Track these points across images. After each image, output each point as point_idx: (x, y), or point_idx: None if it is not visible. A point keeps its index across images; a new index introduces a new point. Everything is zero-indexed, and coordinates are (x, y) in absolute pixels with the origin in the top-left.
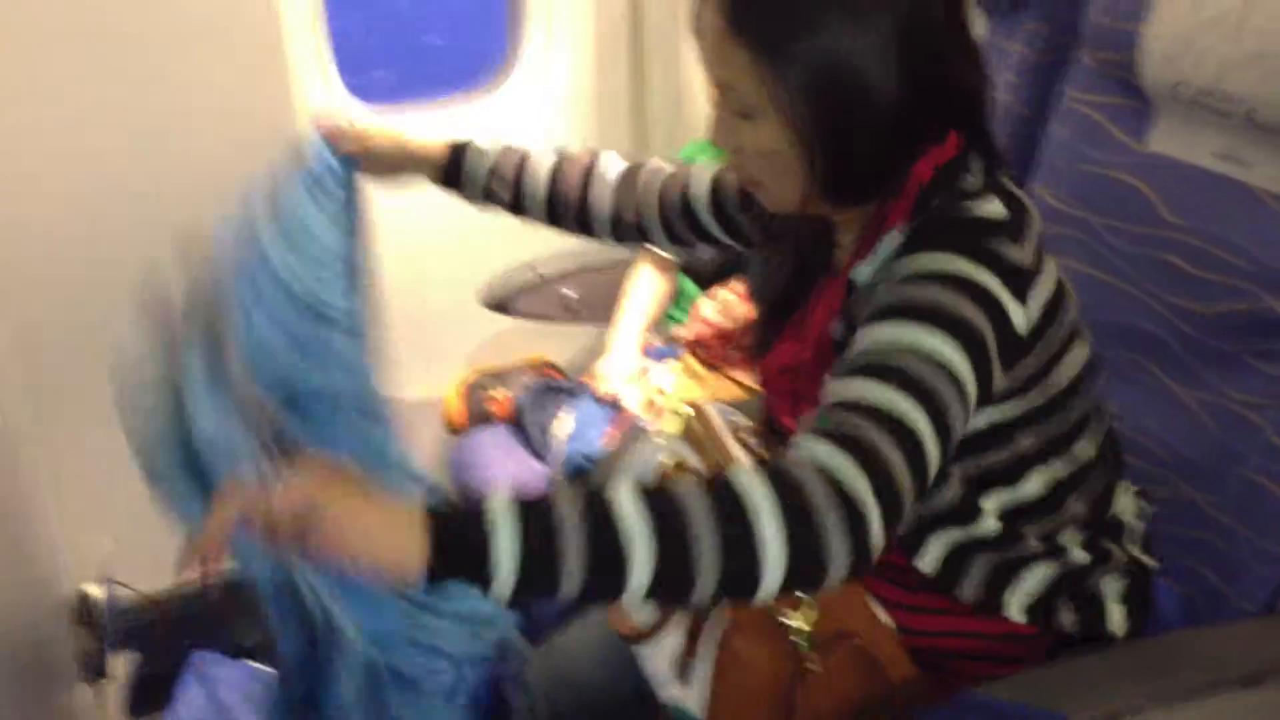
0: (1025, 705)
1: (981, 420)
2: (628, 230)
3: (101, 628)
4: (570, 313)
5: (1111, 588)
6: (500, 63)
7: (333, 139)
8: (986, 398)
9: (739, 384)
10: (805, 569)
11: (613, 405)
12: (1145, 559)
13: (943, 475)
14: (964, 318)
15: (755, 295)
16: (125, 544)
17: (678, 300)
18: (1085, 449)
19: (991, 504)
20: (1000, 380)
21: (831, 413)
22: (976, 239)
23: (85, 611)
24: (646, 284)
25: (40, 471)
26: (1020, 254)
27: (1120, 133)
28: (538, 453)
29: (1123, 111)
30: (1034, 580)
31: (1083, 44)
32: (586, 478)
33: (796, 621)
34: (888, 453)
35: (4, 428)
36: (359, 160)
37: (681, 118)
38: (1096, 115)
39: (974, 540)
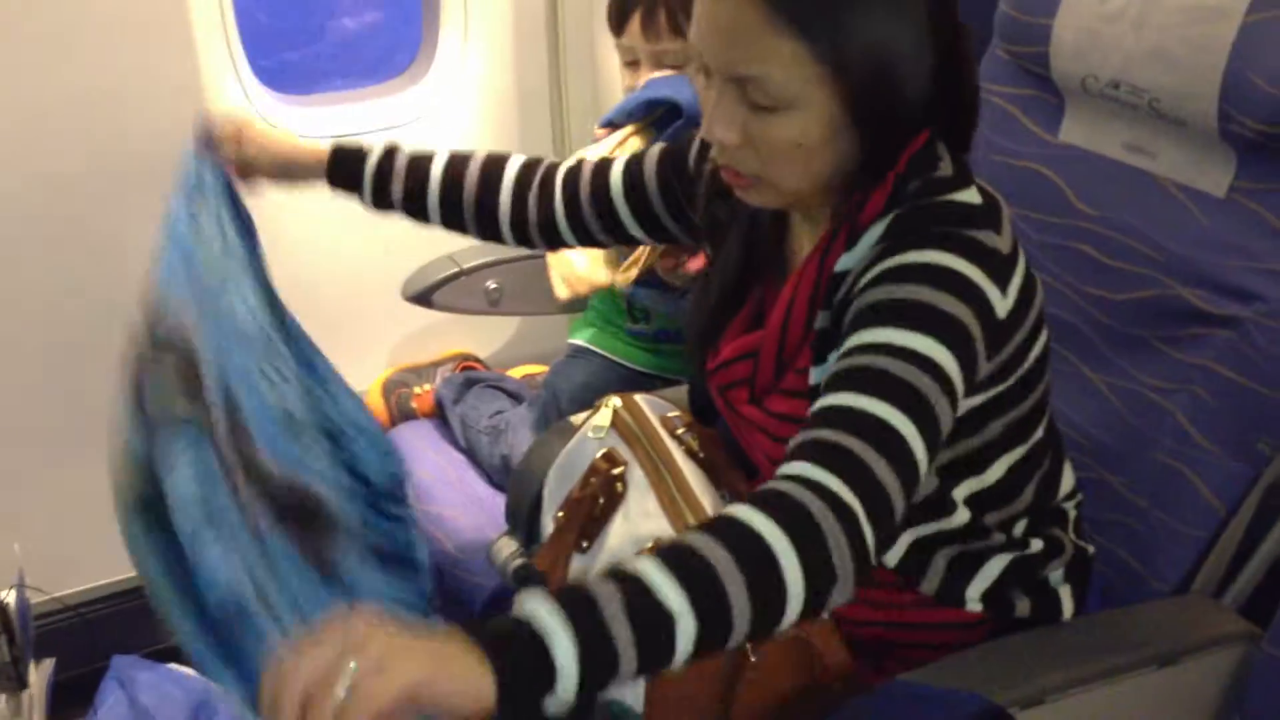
0: (950, 690)
1: (959, 408)
2: (531, 230)
3: (18, 636)
4: (492, 304)
5: (1059, 574)
6: (416, 54)
7: (208, 145)
8: (971, 389)
9: None
10: (820, 594)
11: None
12: (1084, 544)
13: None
14: (951, 315)
15: (699, 286)
16: (32, 549)
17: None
18: (1039, 432)
19: (961, 493)
20: (984, 369)
21: (821, 425)
22: (958, 230)
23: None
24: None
25: None
26: (999, 242)
27: (1033, 124)
28: (461, 446)
29: (1035, 103)
30: (991, 571)
31: (996, 37)
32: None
33: None
34: (875, 465)
35: None
36: (226, 168)
37: (599, 110)
38: (1010, 107)
39: (940, 534)
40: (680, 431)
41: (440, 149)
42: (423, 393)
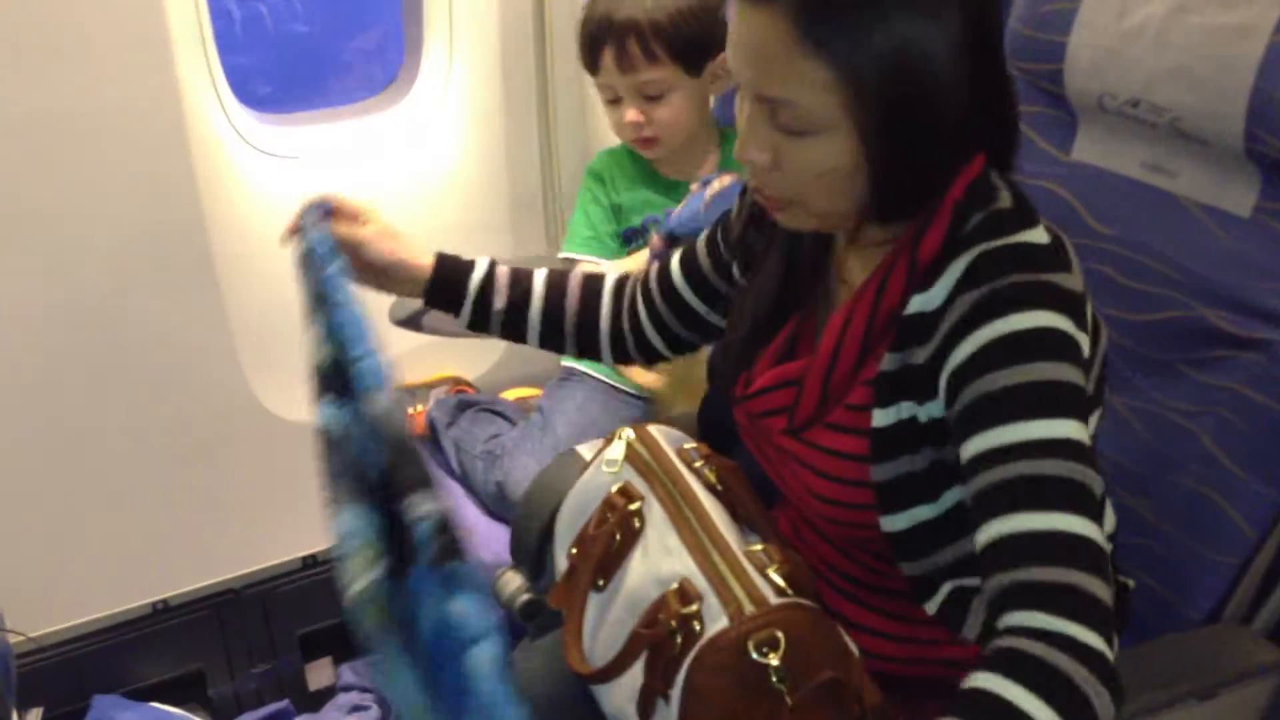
0: None
1: None
2: (627, 344)
3: (3, 682)
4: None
5: None
6: (399, 72)
7: (323, 216)
8: None
9: None
10: None
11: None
12: (1125, 580)
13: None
14: (1071, 384)
15: (732, 312)
16: (6, 589)
17: None
18: None
19: None
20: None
21: (1017, 562)
22: (1045, 279)
23: None
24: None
25: None
26: (1074, 281)
27: (1045, 143)
28: (454, 471)
29: (1048, 121)
30: None
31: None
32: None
33: (768, 658)
34: (1090, 585)
35: None
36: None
37: (587, 127)
38: (1022, 125)
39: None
40: (698, 464)
41: (537, 270)
42: (414, 414)
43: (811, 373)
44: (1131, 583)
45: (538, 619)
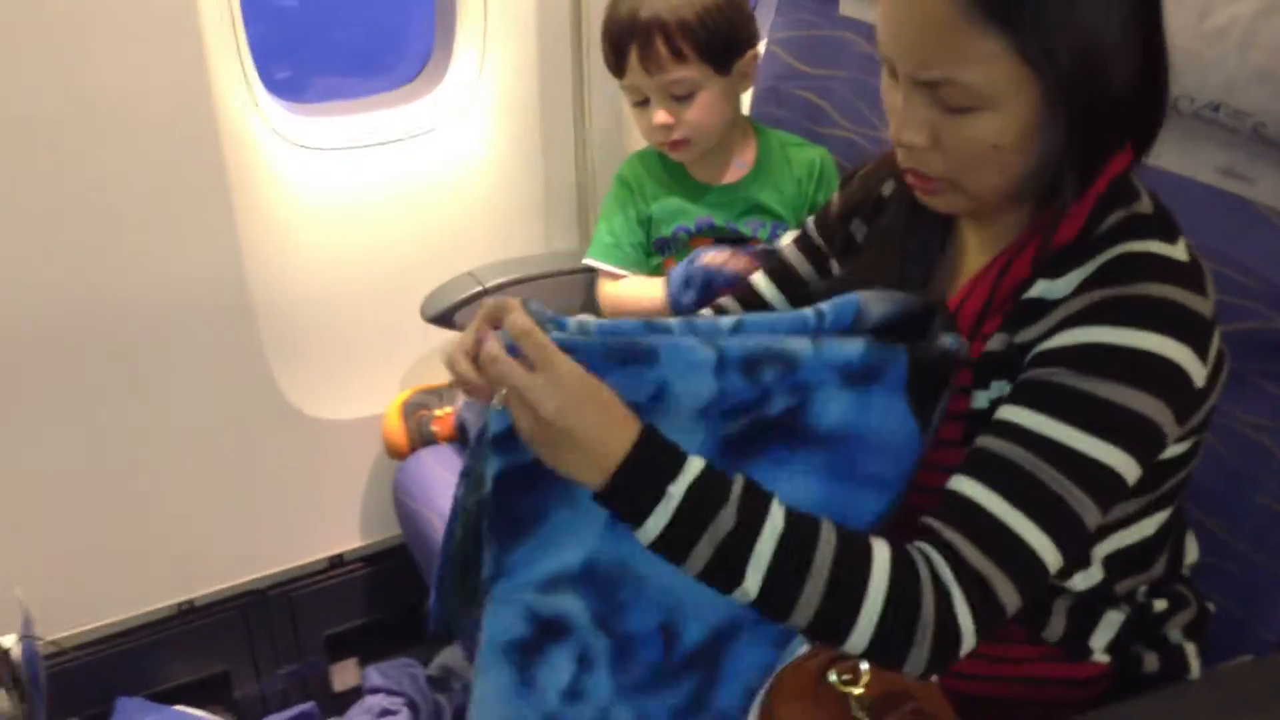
0: None
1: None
2: None
3: (29, 687)
4: None
5: (1179, 632)
6: (428, 60)
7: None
8: (1151, 467)
9: None
10: (885, 652)
11: None
12: (1207, 603)
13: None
14: (1142, 415)
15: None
16: (27, 593)
17: None
18: (1183, 492)
19: (1101, 552)
20: (1173, 435)
21: (958, 520)
22: (1169, 297)
23: (5, 673)
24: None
25: None
26: (1204, 305)
27: None
28: None
29: None
30: (1113, 620)
31: None
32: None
33: (850, 687)
34: (1005, 593)
35: None
36: None
37: (622, 117)
38: None
39: (1063, 589)
40: None
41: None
42: (443, 415)
43: None
44: (1212, 607)
45: None
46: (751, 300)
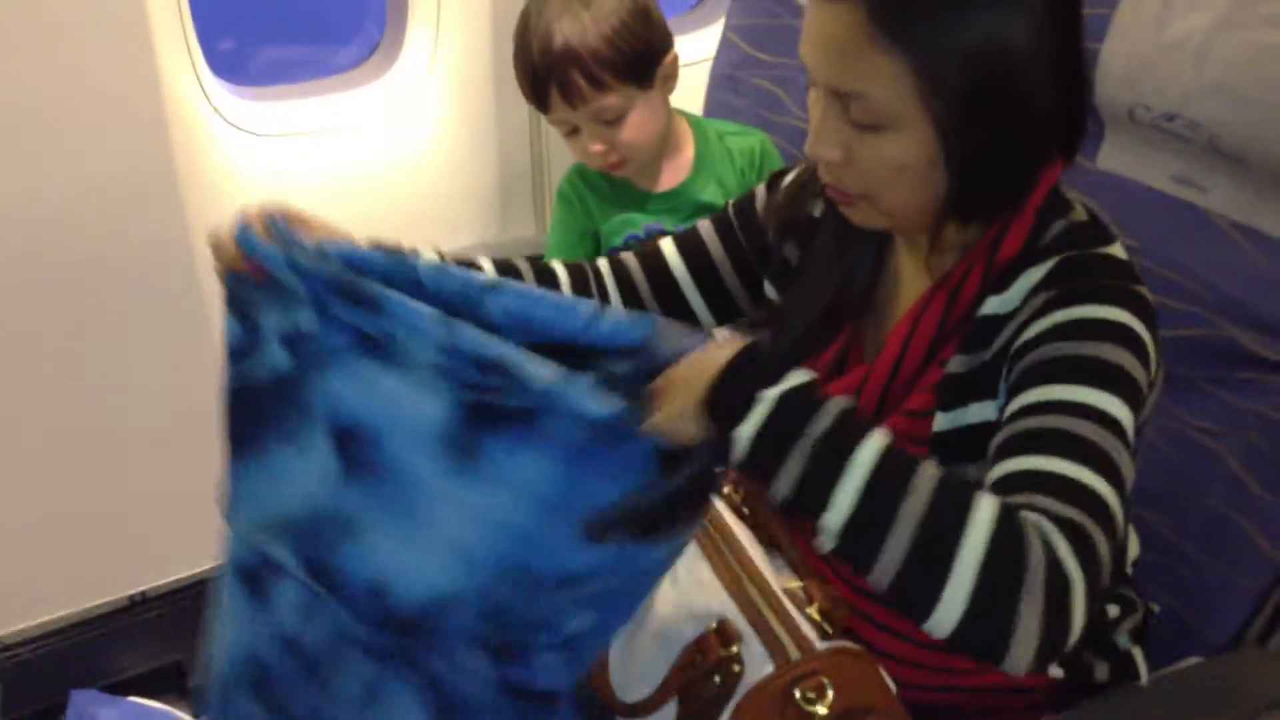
0: None
1: None
2: None
3: None
4: None
5: (1126, 636)
6: (381, 41)
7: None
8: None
9: None
10: (985, 629)
11: None
12: (1150, 604)
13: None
14: (1129, 373)
15: (772, 330)
16: None
17: None
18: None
19: None
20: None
21: (1038, 486)
22: (1126, 284)
23: None
24: None
25: None
26: (1148, 294)
27: None
28: None
29: None
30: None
31: None
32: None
33: (815, 705)
34: (1100, 543)
35: None
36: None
37: None
38: None
39: None
40: (726, 490)
41: (482, 259)
42: None
43: (872, 379)
44: (1156, 607)
45: None
46: (655, 268)
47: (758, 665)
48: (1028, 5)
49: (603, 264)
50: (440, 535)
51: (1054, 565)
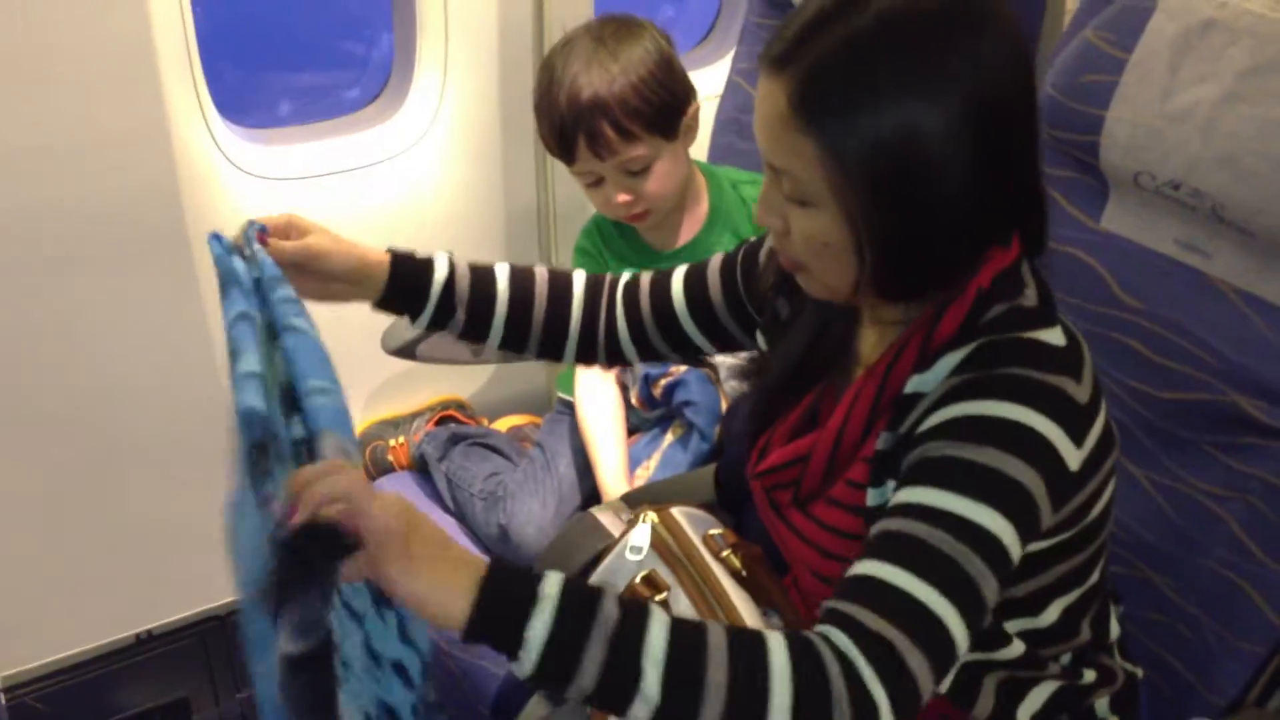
0: None
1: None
2: (597, 347)
3: None
4: (475, 354)
5: (1105, 702)
6: (388, 83)
7: (257, 241)
8: (1024, 554)
9: None
10: None
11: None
12: (1131, 668)
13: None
14: (1017, 481)
15: (753, 380)
16: None
17: None
18: (1094, 576)
19: (1014, 628)
20: (1048, 523)
21: (861, 601)
22: (1038, 377)
23: None
24: (601, 403)
25: None
26: (1078, 391)
27: (1075, 210)
28: (446, 505)
29: (1078, 187)
30: (1040, 695)
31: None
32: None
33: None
34: (912, 659)
35: None
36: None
37: None
38: (1052, 190)
39: (992, 661)
40: (725, 553)
41: (498, 265)
42: (398, 445)
43: (818, 449)
44: (1140, 672)
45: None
46: (660, 295)
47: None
48: (941, 101)
49: (620, 281)
50: None
51: (858, 692)
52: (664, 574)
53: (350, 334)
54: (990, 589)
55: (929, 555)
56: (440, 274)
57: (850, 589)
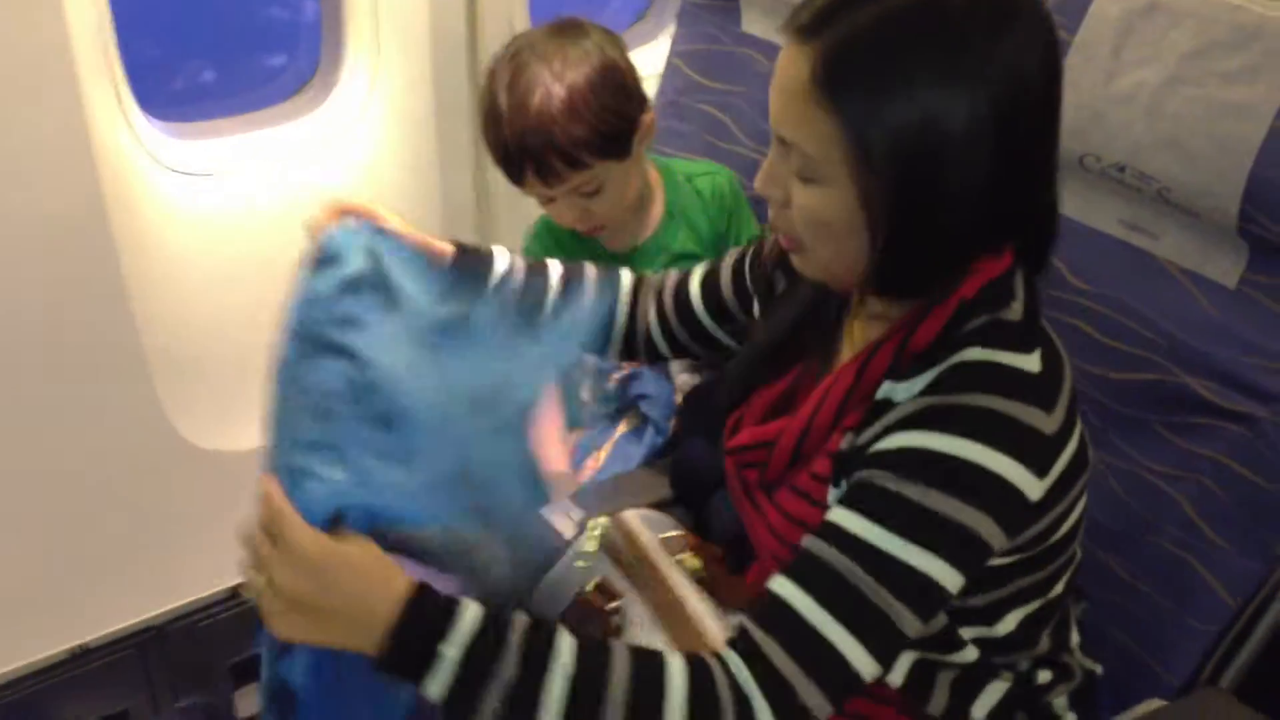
0: None
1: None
2: (636, 340)
3: None
4: None
5: (1063, 700)
6: (316, 73)
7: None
8: (977, 577)
9: None
10: None
11: None
12: (1090, 664)
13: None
14: (960, 524)
15: (744, 348)
16: None
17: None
18: (1058, 588)
19: (969, 634)
20: (1002, 548)
21: (769, 624)
22: (1002, 409)
23: None
24: None
25: None
26: (1046, 422)
27: None
28: None
29: None
30: (995, 691)
31: None
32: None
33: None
34: (811, 699)
35: None
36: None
37: None
38: None
39: (945, 662)
40: (682, 556)
41: (551, 261)
42: None
43: (787, 432)
44: (1099, 669)
45: None
46: (682, 298)
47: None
48: (971, 96)
49: (669, 280)
50: None
51: None
52: (616, 581)
53: None
54: (910, 628)
55: (850, 596)
56: (500, 266)
57: (767, 614)
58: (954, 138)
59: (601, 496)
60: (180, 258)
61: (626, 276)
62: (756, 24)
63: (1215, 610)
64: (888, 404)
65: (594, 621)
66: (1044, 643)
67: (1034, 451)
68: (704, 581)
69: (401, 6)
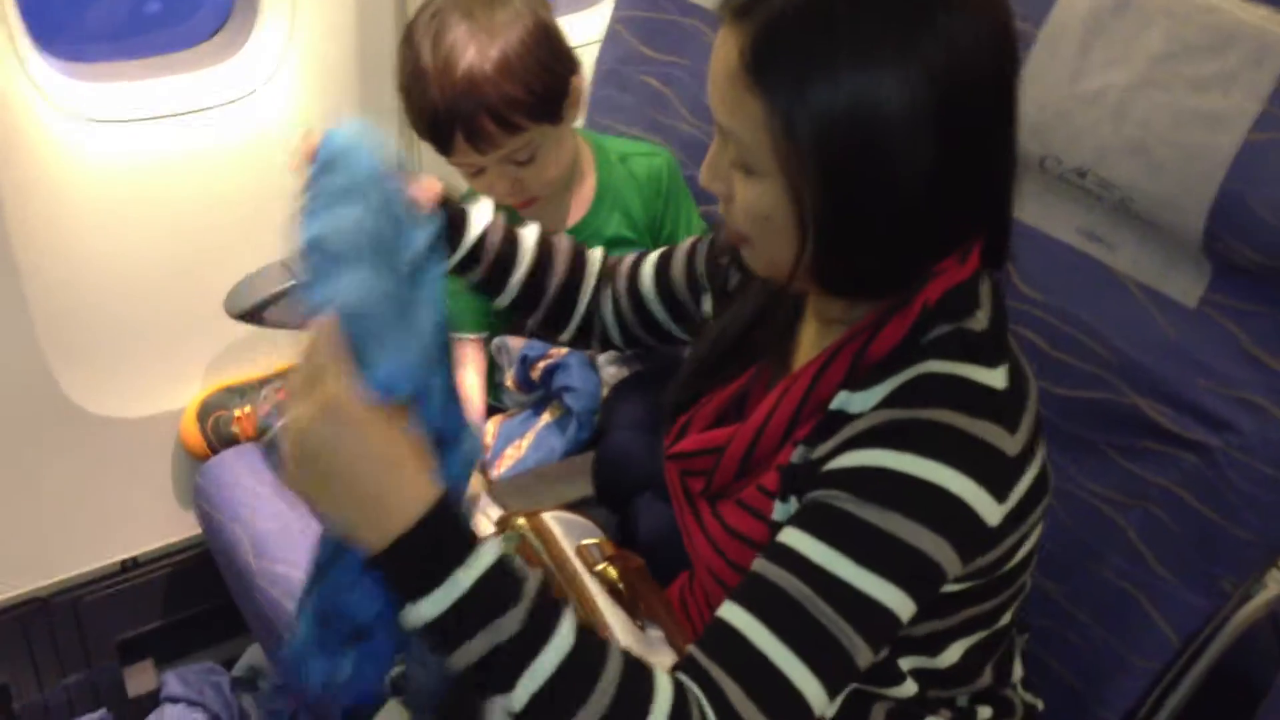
0: None
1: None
2: (590, 331)
3: None
4: None
5: None
6: (230, 16)
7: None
8: (930, 601)
9: None
10: None
11: None
12: (1031, 699)
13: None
14: (915, 549)
15: (696, 343)
16: None
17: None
18: (1004, 619)
19: (907, 665)
20: (956, 575)
21: (718, 648)
22: (962, 426)
23: None
24: (469, 369)
25: None
26: (1008, 442)
27: None
28: None
29: None
30: None
31: None
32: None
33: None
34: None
35: None
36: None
37: None
38: None
39: (881, 695)
40: (600, 566)
41: (528, 226)
42: (244, 414)
43: (736, 441)
44: (1040, 704)
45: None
46: (633, 284)
47: None
48: (905, 77)
49: (625, 262)
50: None
51: None
52: None
53: (191, 293)
54: (863, 657)
55: (803, 621)
56: (478, 224)
57: (717, 641)
58: (888, 126)
59: (520, 490)
60: (72, 209)
61: (597, 255)
62: None
63: (1158, 646)
64: (843, 415)
65: None
66: (986, 676)
67: (994, 474)
68: (620, 594)
69: None
